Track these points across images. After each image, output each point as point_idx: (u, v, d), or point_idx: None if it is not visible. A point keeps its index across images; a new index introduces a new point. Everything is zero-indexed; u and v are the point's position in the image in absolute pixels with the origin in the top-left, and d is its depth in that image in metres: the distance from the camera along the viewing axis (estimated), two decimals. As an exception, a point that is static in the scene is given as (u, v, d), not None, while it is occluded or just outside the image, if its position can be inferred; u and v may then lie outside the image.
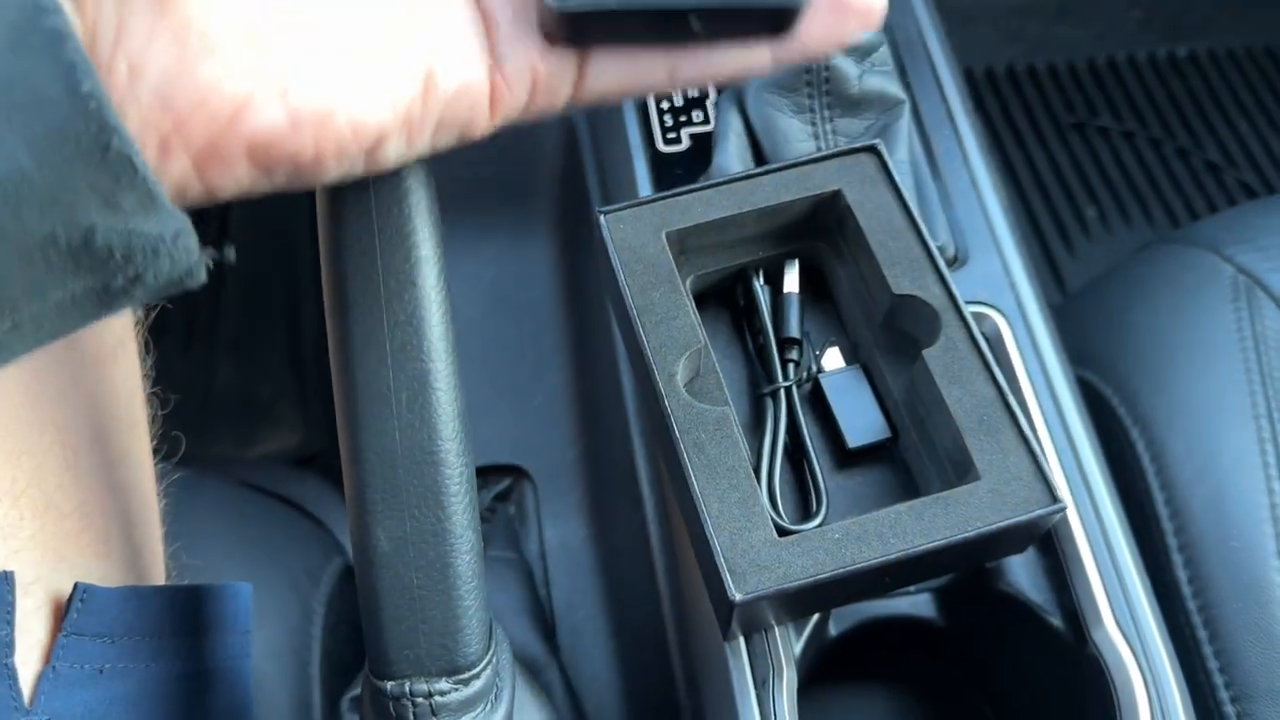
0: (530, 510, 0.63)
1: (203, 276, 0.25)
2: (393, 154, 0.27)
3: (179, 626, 0.43)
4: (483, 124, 0.28)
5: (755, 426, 0.48)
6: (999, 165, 1.20)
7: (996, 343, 0.52)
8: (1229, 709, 0.51)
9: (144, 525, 0.46)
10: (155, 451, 0.49)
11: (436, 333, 0.33)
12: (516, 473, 0.64)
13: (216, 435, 0.96)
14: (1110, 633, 0.45)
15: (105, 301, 0.24)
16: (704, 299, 0.50)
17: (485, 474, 0.64)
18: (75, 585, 0.38)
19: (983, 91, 1.24)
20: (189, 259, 0.24)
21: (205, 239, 0.25)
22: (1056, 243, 1.15)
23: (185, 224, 0.24)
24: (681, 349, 0.45)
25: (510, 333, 0.70)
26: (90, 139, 0.21)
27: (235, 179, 0.25)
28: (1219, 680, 0.52)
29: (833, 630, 0.49)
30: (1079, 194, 1.18)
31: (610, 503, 0.61)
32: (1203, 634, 0.53)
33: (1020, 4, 1.29)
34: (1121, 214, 1.18)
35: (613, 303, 0.49)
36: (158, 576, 0.47)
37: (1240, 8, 1.32)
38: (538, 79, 0.28)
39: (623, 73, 0.28)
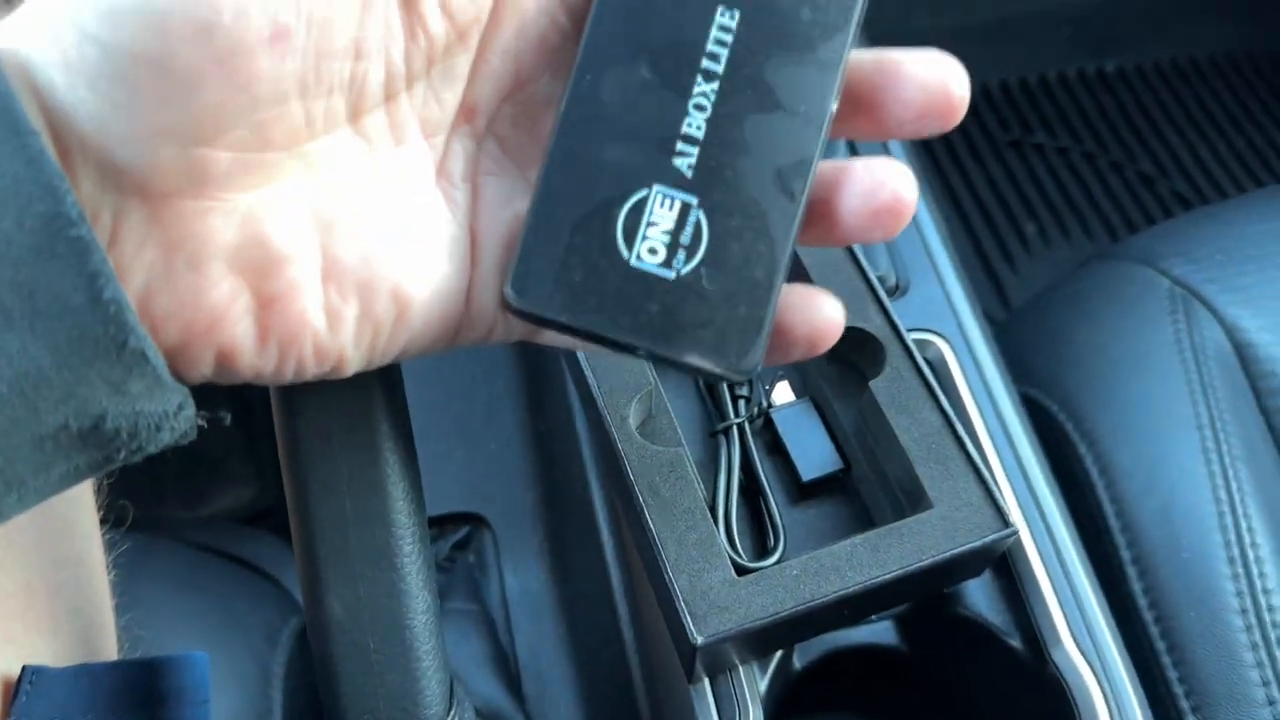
0: (490, 558, 0.62)
1: (195, 434, 0.26)
2: (351, 370, 0.28)
3: (134, 702, 0.42)
4: (441, 348, 0.29)
5: (709, 464, 0.48)
6: (939, 186, 1.22)
7: (941, 368, 0.53)
8: (1190, 719, 0.52)
9: (94, 599, 0.45)
10: (103, 520, 0.48)
11: (383, 395, 0.33)
12: (474, 520, 0.63)
13: (166, 496, 0.95)
14: (1069, 651, 0.45)
15: (105, 466, 0.25)
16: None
17: (442, 523, 0.64)
18: (23, 668, 0.37)
19: (919, 114, 1.26)
20: (187, 425, 0.25)
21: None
22: (999, 260, 1.17)
23: (186, 396, 0.25)
24: (633, 391, 0.45)
25: (461, 378, 0.70)
26: (109, 340, 0.22)
27: (199, 374, 0.26)
28: (1179, 690, 0.53)
29: (797, 664, 0.49)
30: (1018, 211, 1.21)
31: (571, 546, 0.61)
32: (1160, 645, 0.54)
33: (952, 27, 1.32)
34: (1060, 229, 1.20)
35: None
36: (110, 651, 0.46)
37: (1165, 23, 1.36)
38: (499, 323, 0.29)
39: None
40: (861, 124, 0.28)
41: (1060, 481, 0.52)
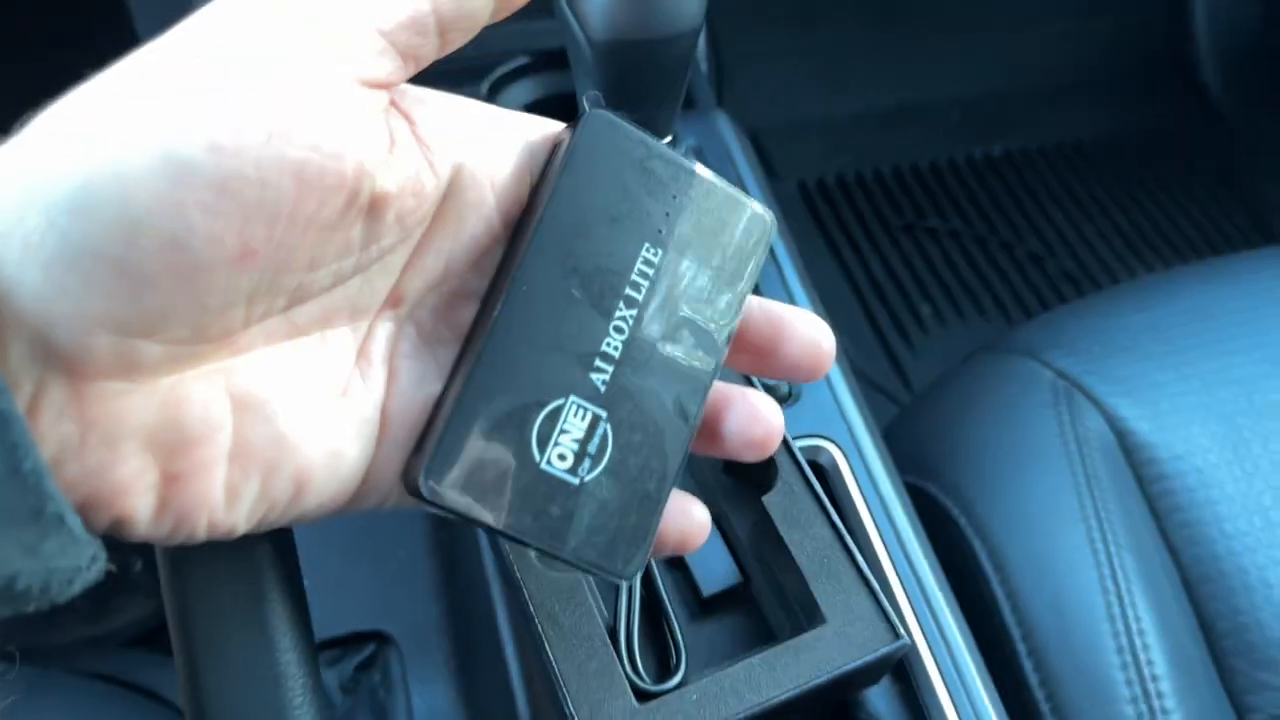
0: (396, 677, 0.61)
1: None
2: (240, 534, 0.28)
3: None
4: (329, 516, 0.30)
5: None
6: (838, 271, 1.26)
7: (834, 472, 0.54)
8: (1088, 809, 0.53)
9: None
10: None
11: (269, 542, 0.32)
12: (379, 638, 0.62)
13: (67, 611, 0.91)
14: (966, 755, 0.46)
15: (10, 616, 0.24)
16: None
17: (346, 643, 0.63)
18: None
19: (816, 202, 1.31)
20: (98, 575, 0.25)
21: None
22: (897, 341, 1.21)
23: (99, 549, 0.25)
24: (530, 516, 0.45)
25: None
26: (26, 508, 0.22)
27: (100, 530, 0.26)
28: (1076, 781, 0.54)
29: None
30: (914, 293, 1.25)
31: (478, 664, 0.60)
32: (1057, 735, 0.55)
33: (846, 116, 1.37)
34: (954, 308, 1.24)
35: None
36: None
37: (1047, 110, 1.43)
38: (392, 495, 0.30)
39: None
40: (750, 362, 0.33)
41: (956, 575, 0.53)
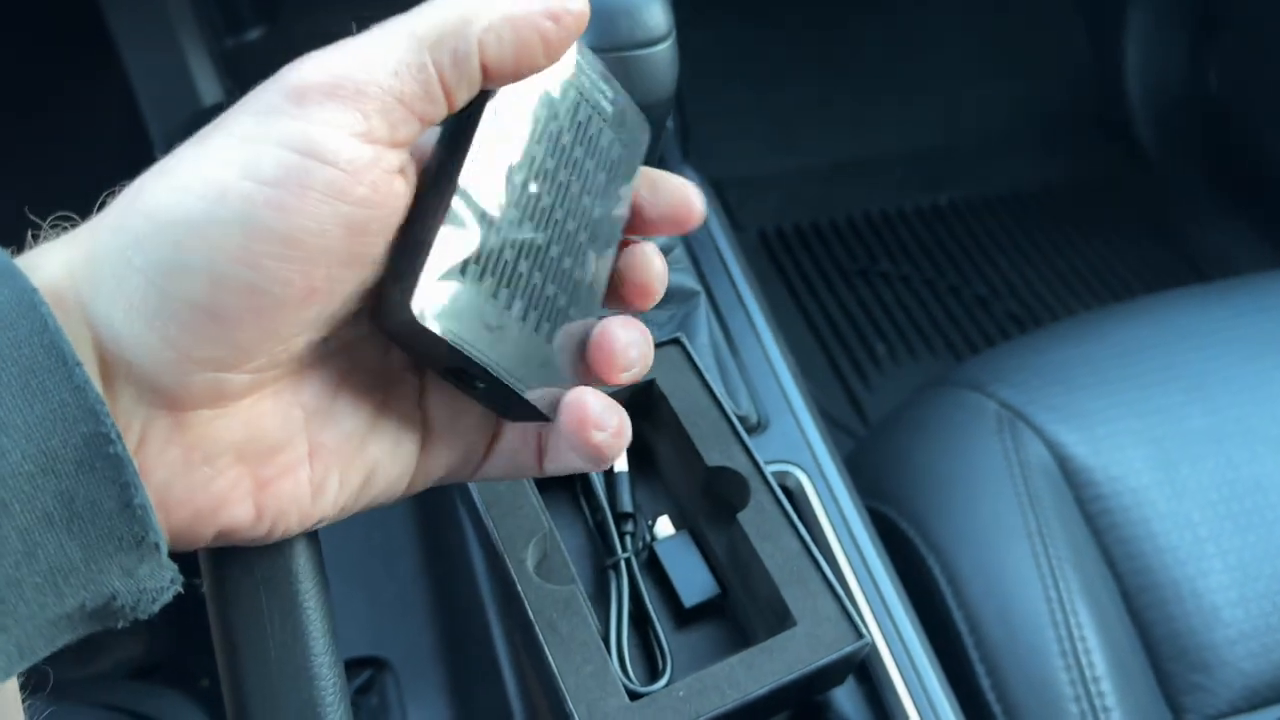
0: (393, 700, 0.65)
1: None
2: (323, 525, 0.33)
3: None
4: (394, 501, 0.35)
5: (601, 597, 0.53)
6: (795, 313, 1.32)
7: (800, 495, 0.59)
8: (1037, 799, 0.58)
9: None
10: (23, 687, 0.49)
11: (303, 557, 0.37)
12: (376, 664, 0.66)
13: (57, 653, 0.93)
14: (925, 746, 0.51)
15: (98, 631, 0.29)
16: (544, 481, 0.56)
17: (345, 668, 0.66)
18: None
19: (776, 250, 1.37)
20: (175, 593, 0.30)
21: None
22: (854, 378, 1.27)
23: (176, 571, 0.29)
24: (529, 536, 0.50)
25: (358, 526, 0.73)
26: (131, 538, 0.27)
27: (201, 545, 0.31)
28: (1027, 774, 0.59)
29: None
30: (869, 333, 1.31)
31: (473, 684, 0.64)
32: (1008, 733, 0.60)
33: (801, 169, 1.45)
34: (907, 347, 1.31)
35: (460, 496, 0.54)
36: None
37: (986, 161, 1.51)
38: (441, 475, 0.36)
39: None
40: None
41: (913, 590, 0.58)
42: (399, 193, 0.30)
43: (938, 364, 1.29)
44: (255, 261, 0.27)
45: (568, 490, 0.57)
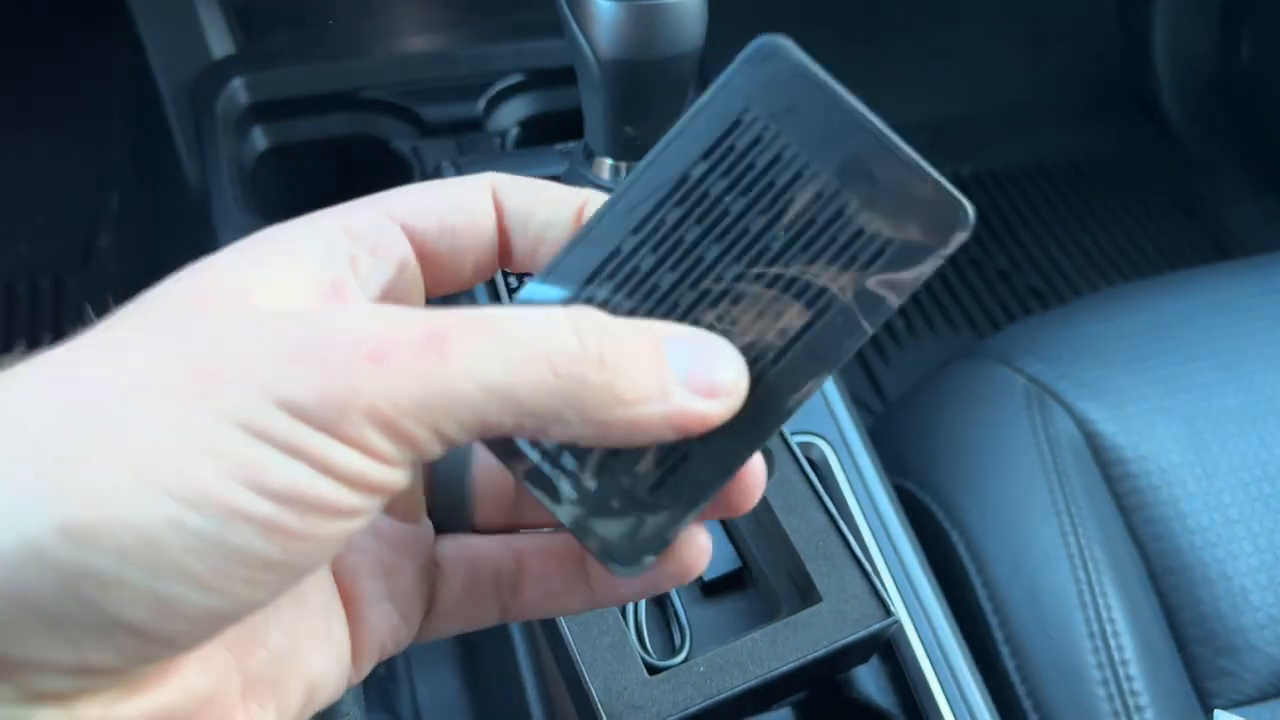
0: (400, 668, 0.63)
1: None
2: None
3: None
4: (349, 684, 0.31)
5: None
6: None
7: (824, 467, 0.57)
8: (1062, 784, 0.56)
9: None
10: None
11: None
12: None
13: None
14: (951, 728, 0.49)
15: None
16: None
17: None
18: None
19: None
20: None
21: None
22: (872, 355, 1.25)
23: None
24: (543, 504, 0.48)
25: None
26: None
27: None
28: (1051, 758, 0.57)
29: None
30: (888, 307, 1.29)
31: (482, 651, 0.62)
32: (1034, 717, 0.59)
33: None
34: (927, 322, 1.28)
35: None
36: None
37: (1011, 133, 1.48)
38: (392, 639, 0.31)
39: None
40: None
41: (937, 568, 0.56)
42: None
43: (958, 338, 1.27)
44: (225, 586, 0.22)
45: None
